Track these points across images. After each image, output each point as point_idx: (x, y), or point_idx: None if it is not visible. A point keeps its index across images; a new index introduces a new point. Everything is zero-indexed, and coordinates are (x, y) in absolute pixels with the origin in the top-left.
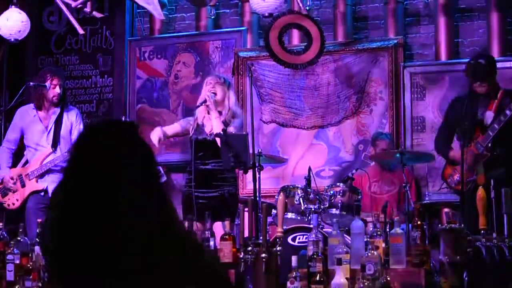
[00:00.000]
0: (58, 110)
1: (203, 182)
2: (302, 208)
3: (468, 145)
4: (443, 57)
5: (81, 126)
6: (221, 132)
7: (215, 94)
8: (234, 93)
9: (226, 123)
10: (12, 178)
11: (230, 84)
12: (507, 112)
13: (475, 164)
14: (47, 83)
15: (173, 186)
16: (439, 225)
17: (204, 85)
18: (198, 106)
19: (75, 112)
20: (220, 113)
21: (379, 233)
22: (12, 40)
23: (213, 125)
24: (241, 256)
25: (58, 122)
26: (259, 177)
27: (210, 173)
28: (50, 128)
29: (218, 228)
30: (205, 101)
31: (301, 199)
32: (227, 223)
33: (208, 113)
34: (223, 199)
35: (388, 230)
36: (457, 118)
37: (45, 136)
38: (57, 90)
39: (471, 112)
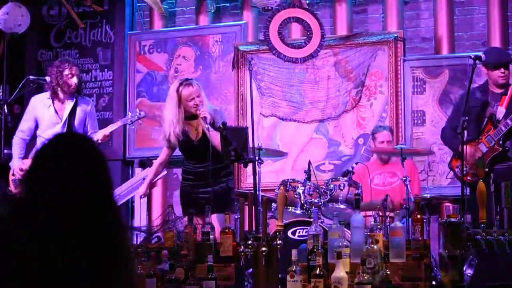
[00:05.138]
0: (72, 101)
1: (198, 180)
2: (302, 202)
3: (479, 138)
4: (443, 50)
5: (95, 118)
6: (221, 126)
7: (202, 105)
8: (203, 92)
9: (211, 124)
10: (22, 170)
11: (199, 84)
12: None
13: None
14: (65, 72)
15: (174, 180)
16: (439, 219)
17: (188, 99)
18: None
19: (88, 102)
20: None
21: (379, 227)
22: (12, 33)
23: (213, 140)
24: (241, 250)
25: (72, 114)
26: (259, 171)
27: (203, 173)
28: (65, 121)
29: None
30: (204, 118)
31: (301, 193)
32: (226, 217)
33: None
34: (218, 194)
35: (388, 224)
36: (468, 110)
37: (60, 128)
38: (75, 80)
39: (481, 105)
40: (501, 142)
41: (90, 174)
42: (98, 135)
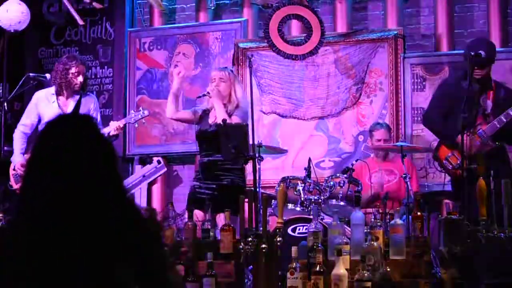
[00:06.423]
0: (77, 97)
1: (208, 173)
2: (302, 199)
3: (470, 131)
4: (443, 47)
5: (98, 115)
6: (221, 123)
7: (219, 91)
8: (240, 86)
9: (229, 114)
10: (22, 166)
11: (236, 76)
12: None
13: (476, 153)
14: (71, 69)
15: (174, 177)
16: (439, 216)
17: (210, 81)
18: (199, 97)
19: (92, 99)
20: (224, 105)
21: (379, 224)
22: (12, 31)
23: (217, 114)
24: (241, 247)
25: (76, 110)
26: (259, 168)
27: (214, 164)
28: None
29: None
30: (208, 93)
31: (301, 190)
32: (226, 214)
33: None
34: (226, 190)
35: (388, 221)
36: (450, 95)
37: None
38: (80, 78)
39: (471, 97)
40: (491, 137)
41: (84, 165)
42: (111, 127)
